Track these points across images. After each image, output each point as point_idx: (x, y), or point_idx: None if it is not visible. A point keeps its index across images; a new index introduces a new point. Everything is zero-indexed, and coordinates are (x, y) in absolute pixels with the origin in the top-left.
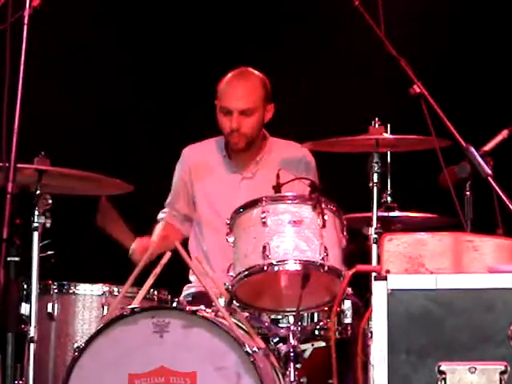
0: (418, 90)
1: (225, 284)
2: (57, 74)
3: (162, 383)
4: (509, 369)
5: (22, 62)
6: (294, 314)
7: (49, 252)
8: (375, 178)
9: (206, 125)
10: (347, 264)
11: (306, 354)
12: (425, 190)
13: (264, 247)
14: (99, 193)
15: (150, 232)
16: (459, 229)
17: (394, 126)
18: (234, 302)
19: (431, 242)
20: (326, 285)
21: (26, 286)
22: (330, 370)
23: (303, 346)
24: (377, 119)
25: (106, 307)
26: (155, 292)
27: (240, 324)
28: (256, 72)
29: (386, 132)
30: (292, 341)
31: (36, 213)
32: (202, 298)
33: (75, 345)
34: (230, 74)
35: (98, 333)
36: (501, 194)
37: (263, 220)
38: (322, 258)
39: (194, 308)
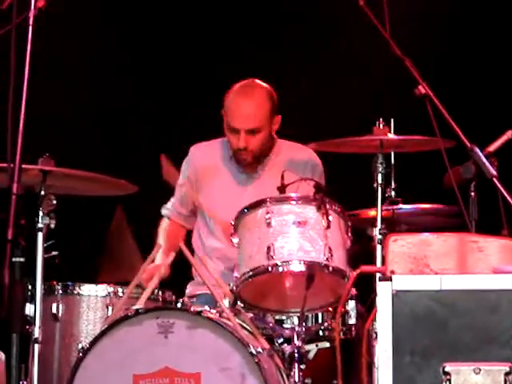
0: (423, 91)
1: (229, 285)
2: (60, 75)
3: None
4: None
5: (27, 62)
6: (299, 314)
7: (53, 253)
8: (380, 178)
9: (206, 124)
10: (352, 265)
11: (311, 355)
12: (429, 190)
13: (268, 248)
14: (103, 193)
15: (155, 229)
16: (464, 229)
17: (396, 126)
18: (239, 302)
19: (436, 242)
20: (330, 285)
21: (30, 287)
22: (334, 371)
23: (308, 347)
24: (381, 120)
25: (110, 308)
26: (160, 293)
27: (244, 325)
28: (263, 84)
29: (390, 132)
30: (296, 341)
31: (40, 213)
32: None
33: (80, 345)
34: (235, 89)
35: (103, 333)
36: (506, 194)
37: (268, 221)
38: (327, 259)
39: (199, 309)
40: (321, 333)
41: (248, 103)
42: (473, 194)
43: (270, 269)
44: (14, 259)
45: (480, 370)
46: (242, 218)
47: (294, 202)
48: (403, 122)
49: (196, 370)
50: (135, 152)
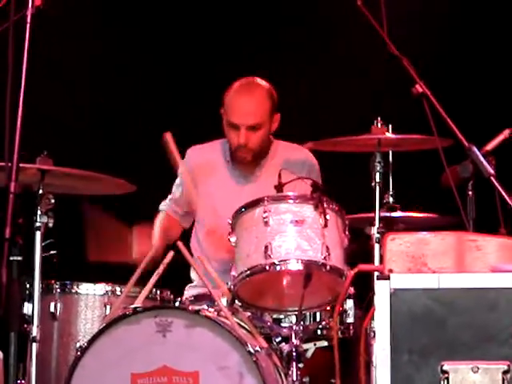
0: (420, 90)
1: (227, 283)
2: (59, 75)
3: (164, 383)
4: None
5: (25, 61)
6: (297, 313)
7: (51, 251)
8: (377, 177)
9: (206, 125)
10: (349, 264)
11: (309, 354)
12: (427, 189)
13: (266, 247)
14: (101, 192)
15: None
16: (462, 228)
17: (395, 125)
18: (236, 301)
19: (434, 241)
20: (328, 284)
21: (28, 286)
22: (332, 370)
23: (305, 346)
24: (379, 119)
25: (108, 307)
26: (158, 291)
27: (242, 323)
28: (262, 82)
29: (388, 132)
30: (294, 340)
31: (38, 212)
32: (204, 298)
33: (78, 344)
34: (236, 86)
35: (101, 332)
36: (503, 193)
37: (265, 220)
38: (324, 258)
39: (197, 307)
40: (319, 332)
41: (249, 100)
42: (470, 192)
43: (267, 268)
44: (11, 258)
45: (478, 368)
46: (240, 217)
47: (291, 201)
48: (401, 122)
49: (194, 369)
50: (133, 151)
